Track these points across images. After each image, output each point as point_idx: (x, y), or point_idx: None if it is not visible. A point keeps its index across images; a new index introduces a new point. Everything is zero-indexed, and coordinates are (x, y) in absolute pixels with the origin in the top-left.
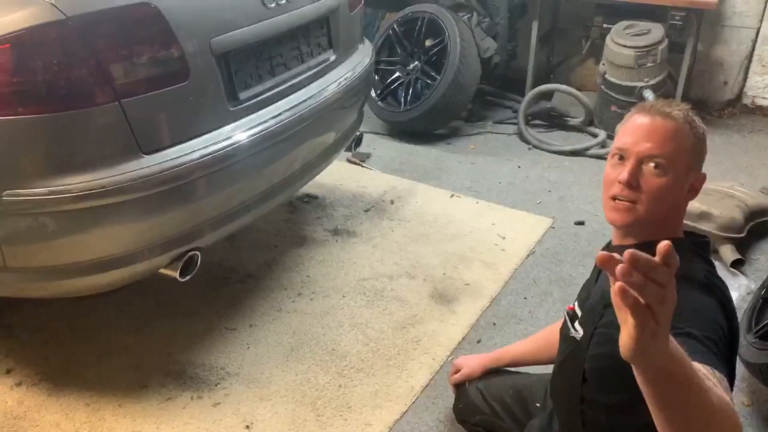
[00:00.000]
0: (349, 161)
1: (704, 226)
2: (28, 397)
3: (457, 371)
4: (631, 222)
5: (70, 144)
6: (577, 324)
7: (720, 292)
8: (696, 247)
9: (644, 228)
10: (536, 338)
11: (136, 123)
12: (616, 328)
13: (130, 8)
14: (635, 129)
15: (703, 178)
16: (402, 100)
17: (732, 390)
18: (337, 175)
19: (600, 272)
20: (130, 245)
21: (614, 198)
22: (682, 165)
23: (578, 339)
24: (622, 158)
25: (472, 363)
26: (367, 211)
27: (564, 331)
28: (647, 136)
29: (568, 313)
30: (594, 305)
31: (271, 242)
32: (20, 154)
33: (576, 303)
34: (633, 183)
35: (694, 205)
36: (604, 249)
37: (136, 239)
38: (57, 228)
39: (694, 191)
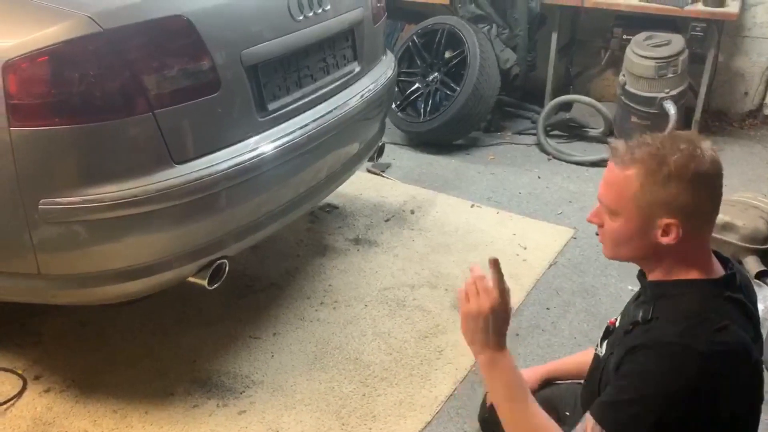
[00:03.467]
0: (369, 171)
1: (728, 237)
2: (57, 404)
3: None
4: (607, 257)
5: (104, 154)
6: (605, 342)
7: (717, 369)
8: (716, 290)
9: (640, 264)
10: (573, 358)
11: (168, 133)
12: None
13: (164, 21)
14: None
15: (678, 218)
16: (421, 110)
17: None
18: (358, 185)
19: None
20: (161, 254)
21: None
22: (633, 211)
23: (600, 357)
24: None
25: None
26: (387, 220)
27: (596, 345)
28: (603, 180)
29: (607, 327)
30: (619, 328)
31: (293, 251)
32: (56, 164)
33: (618, 318)
34: (593, 222)
35: (718, 217)
36: (638, 274)
37: (167, 248)
38: (90, 236)
39: (670, 235)
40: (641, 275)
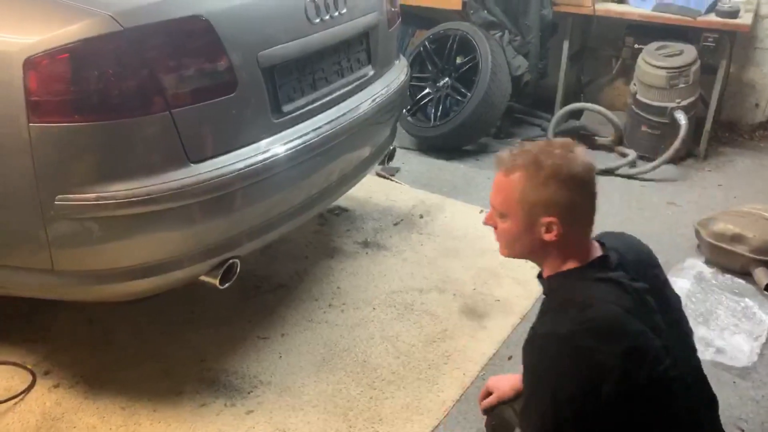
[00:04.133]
0: (379, 175)
1: (738, 249)
2: (66, 399)
3: (488, 393)
4: (503, 256)
5: (121, 152)
6: None
7: (587, 345)
8: (585, 274)
9: (532, 261)
10: None
11: (185, 132)
12: None
13: (183, 21)
14: None
15: (558, 216)
16: (431, 115)
17: None
18: (367, 189)
19: None
20: (174, 252)
21: None
22: (519, 212)
23: None
24: None
25: (503, 386)
26: (396, 224)
27: None
28: (493, 186)
29: None
30: None
31: (301, 253)
32: (73, 160)
33: None
34: (489, 224)
35: (728, 227)
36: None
37: (180, 246)
38: (104, 233)
39: (552, 232)
40: (539, 275)
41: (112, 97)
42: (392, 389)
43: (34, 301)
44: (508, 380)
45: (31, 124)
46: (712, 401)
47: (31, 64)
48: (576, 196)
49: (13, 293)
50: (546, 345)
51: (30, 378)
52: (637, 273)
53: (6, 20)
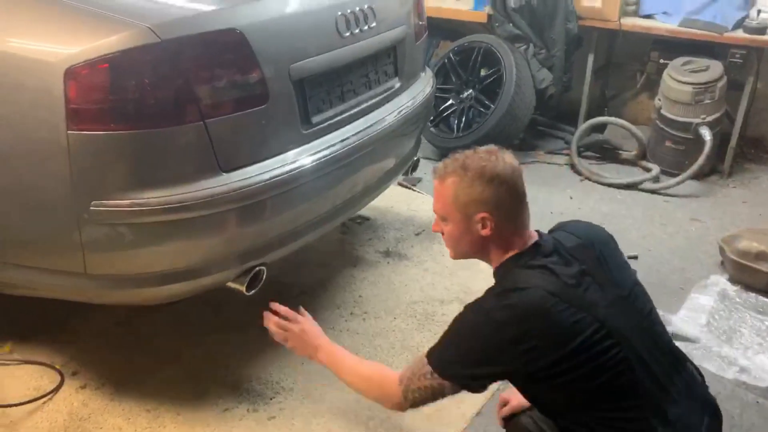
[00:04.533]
0: (401, 185)
1: (763, 267)
2: (93, 400)
3: (505, 404)
4: (454, 258)
5: (155, 160)
6: None
7: (501, 318)
8: (518, 262)
9: (479, 258)
10: None
11: (217, 142)
12: None
13: (218, 33)
14: None
15: (489, 212)
16: (454, 126)
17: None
18: (389, 198)
19: None
20: (203, 258)
21: None
22: (456, 214)
23: None
24: None
25: (519, 395)
26: (418, 234)
27: None
28: (433, 194)
29: None
30: None
31: (324, 261)
32: (109, 167)
33: None
34: (436, 231)
35: (753, 245)
36: None
37: (209, 253)
38: (136, 239)
39: (487, 227)
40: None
41: (148, 107)
42: None
43: (63, 303)
44: None
45: (69, 132)
46: (684, 370)
47: (71, 73)
48: (501, 192)
49: (45, 295)
50: (466, 311)
51: (58, 378)
52: (573, 257)
53: (49, 31)
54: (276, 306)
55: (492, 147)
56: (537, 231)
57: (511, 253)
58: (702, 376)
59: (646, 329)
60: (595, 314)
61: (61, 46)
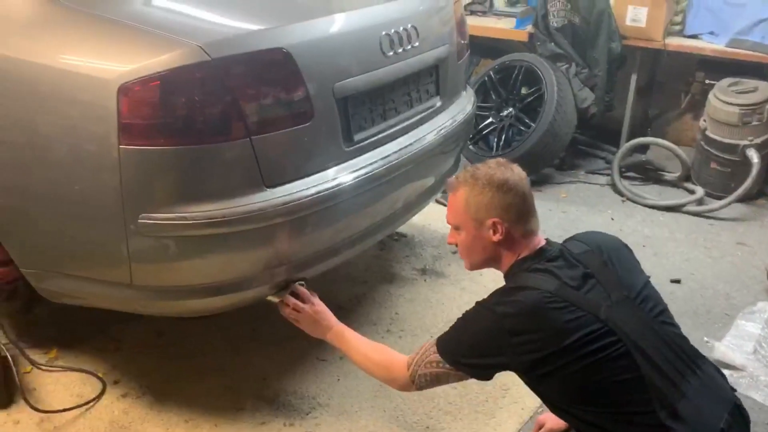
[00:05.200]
0: (438, 202)
1: None
2: (133, 409)
3: (541, 427)
4: (469, 269)
5: (202, 175)
6: None
7: (501, 311)
8: (523, 265)
9: (492, 266)
10: None
11: (262, 158)
12: None
13: (266, 52)
14: None
15: (499, 217)
16: (494, 145)
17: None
18: (426, 216)
19: None
20: (245, 272)
21: None
22: (468, 221)
23: None
24: None
25: (555, 418)
26: (455, 252)
27: None
28: (447, 207)
29: None
30: None
31: (361, 277)
32: (157, 181)
33: None
34: (451, 243)
35: None
36: None
37: (250, 267)
38: (181, 251)
39: (498, 231)
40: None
41: (196, 123)
42: (449, 420)
43: (108, 312)
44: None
45: (121, 146)
46: (700, 369)
47: (125, 89)
48: (510, 197)
49: (91, 304)
50: (475, 306)
51: (100, 386)
52: (579, 261)
53: (105, 49)
54: (295, 287)
55: (500, 159)
56: (546, 239)
57: (519, 258)
58: (724, 377)
59: (654, 329)
60: (597, 313)
61: (116, 64)
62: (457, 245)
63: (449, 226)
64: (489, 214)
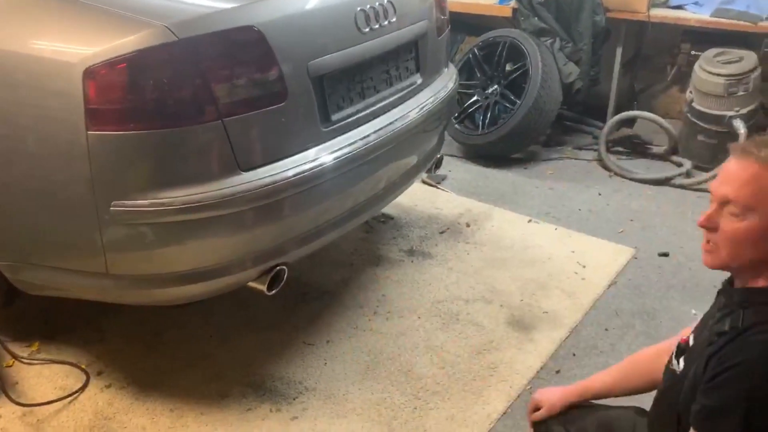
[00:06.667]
0: (425, 182)
1: None
2: (117, 400)
3: (536, 407)
4: (714, 266)
5: (174, 159)
6: (682, 358)
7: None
8: None
9: (742, 272)
10: (619, 369)
11: (236, 141)
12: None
13: (236, 31)
14: (722, 171)
15: None
16: (479, 123)
17: None
18: (413, 196)
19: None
20: (223, 258)
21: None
22: (766, 210)
23: (677, 373)
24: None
25: (552, 399)
26: (442, 233)
27: (667, 363)
28: (727, 179)
29: (679, 345)
30: (699, 342)
31: (347, 260)
32: (128, 167)
33: (692, 336)
34: (707, 226)
35: None
36: (722, 288)
37: (229, 252)
38: (157, 239)
39: None
40: (727, 284)
41: (166, 106)
42: (437, 400)
43: (90, 303)
44: (557, 393)
45: (89, 132)
46: None
47: (90, 73)
48: None
49: (70, 295)
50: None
51: (84, 378)
52: None
53: (67, 32)
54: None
55: None
56: None
57: None
58: None
59: None
60: None
61: (80, 47)
62: (712, 231)
63: (440, 208)
64: None
